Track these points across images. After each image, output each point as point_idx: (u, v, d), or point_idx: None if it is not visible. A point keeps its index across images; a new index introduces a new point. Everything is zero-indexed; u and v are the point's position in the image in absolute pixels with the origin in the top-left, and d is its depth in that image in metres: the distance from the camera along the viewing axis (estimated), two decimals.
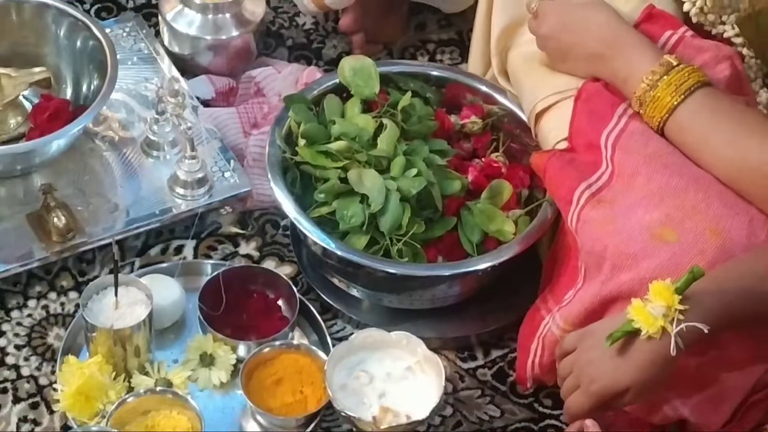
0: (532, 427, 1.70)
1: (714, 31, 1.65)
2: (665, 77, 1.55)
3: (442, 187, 1.73)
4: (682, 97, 1.53)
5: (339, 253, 1.68)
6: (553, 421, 1.70)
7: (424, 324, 1.75)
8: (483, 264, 1.70)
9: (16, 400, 1.68)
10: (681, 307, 1.35)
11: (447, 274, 1.70)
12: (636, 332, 1.37)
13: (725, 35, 1.64)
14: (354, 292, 1.79)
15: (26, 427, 1.65)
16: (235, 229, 1.91)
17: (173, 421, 1.61)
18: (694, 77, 1.54)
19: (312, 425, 1.64)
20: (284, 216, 1.82)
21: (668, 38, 1.65)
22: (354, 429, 1.64)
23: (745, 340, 1.46)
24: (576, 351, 1.45)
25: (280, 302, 1.77)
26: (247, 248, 1.89)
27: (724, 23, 1.64)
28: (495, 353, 1.78)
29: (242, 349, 1.71)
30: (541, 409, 1.72)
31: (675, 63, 1.57)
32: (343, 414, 1.59)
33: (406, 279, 1.69)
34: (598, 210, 1.56)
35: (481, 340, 1.79)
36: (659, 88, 1.55)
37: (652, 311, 1.36)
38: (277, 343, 1.69)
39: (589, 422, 1.42)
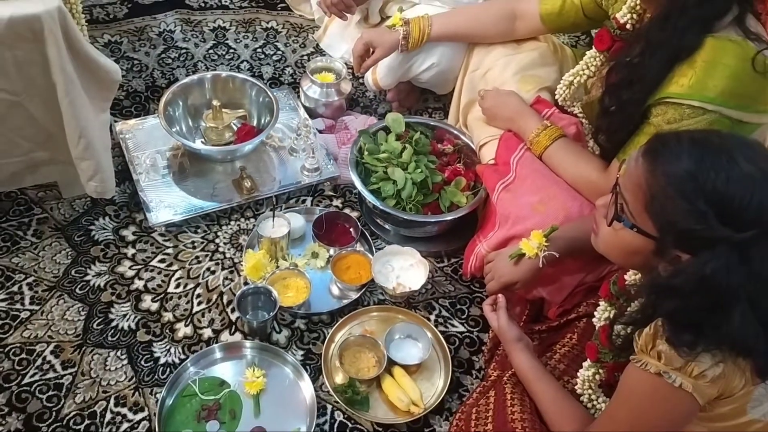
0: (468, 296, 1.73)
1: (569, 109, 1.67)
2: (543, 131, 1.59)
3: (433, 178, 1.75)
4: (551, 141, 1.56)
5: (381, 207, 1.71)
6: (479, 295, 1.73)
7: (419, 244, 1.75)
8: (450, 216, 1.71)
9: (223, 267, 1.73)
10: (546, 244, 1.39)
11: (432, 221, 1.72)
12: (523, 255, 1.42)
13: (575, 112, 1.66)
14: (387, 226, 1.81)
15: (227, 282, 1.70)
16: (331, 193, 1.93)
17: (297, 283, 1.67)
18: (557, 132, 1.58)
19: (363, 289, 1.69)
20: (356, 188, 1.85)
21: (546, 113, 1.66)
22: (382, 293, 1.71)
23: (576, 260, 1.48)
24: (493, 261, 1.48)
25: (351, 229, 1.81)
26: (337, 202, 1.91)
27: (574, 106, 1.67)
28: (453, 260, 1.80)
29: (332, 251, 1.76)
30: (474, 288, 1.75)
31: (549, 125, 1.60)
32: (378, 285, 1.65)
33: (413, 222, 1.72)
34: (506, 194, 1.57)
35: (447, 253, 1.80)
36: (540, 136, 1.59)
37: (532, 245, 1.41)
38: (349, 249, 1.74)
39: (500, 296, 1.45)
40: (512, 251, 1.45)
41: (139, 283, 1.68)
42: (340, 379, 1.54)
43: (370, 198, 1.73)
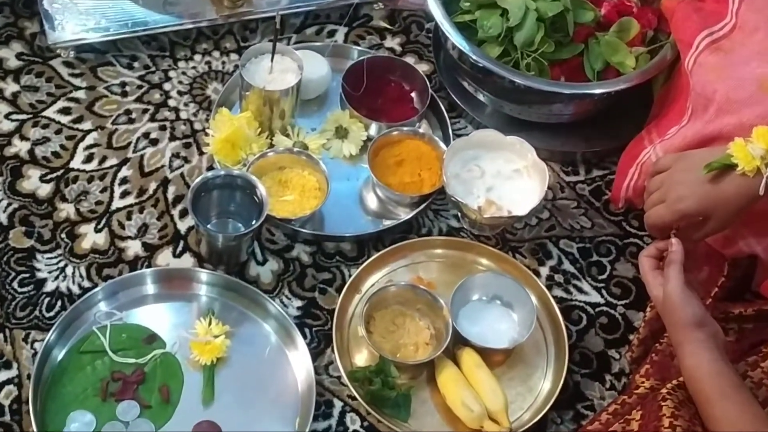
0: (617, 242, 1.72)
1: None
2: None
3: (576, 14, 1.71)
4: None
5: (474, 57, 1.68)
6: (636, 240, 1.72)
7: (537, 135, 1.75)
8: (601, 89, 1.69)
9: (173, 138, 1.75)
10: None
11: (567, 92, 1.71)
12: (732, 166, 1.36)
13: None
14: (480, 96, 1.80)
15: (177, 162, 1.72)
16: (384, 24, 1.93)
17: (303, 180, 1.67)
18: None
19: (423, 205, 1.68)
20: (430, 19, 1.83)
21: None
22: (459, 214, 1.69)
23: None
24: (669, 170, 1.44)
25: (413, 94, 1.79)
26: (392, 42, 1.91)
27: None
28: (595, 172, 1.80)
29: (373, 129, 1.74)
30: (627, 227, 1.74)
31: None
32: (453, 199, 1.63)
33: (529, 91, 1.69)
34: (714, 56, 1.53)
35: (585, 158, 1.80)
36: None
37: (752, 151, 1.35)
38: (405, 128, 1.72)
39: (674, 241, 1.42)
40: (710, 157, 1.41)
41: (21, 146, 1.72)
42: (364, 358, 1.57)
43: (455, 39, 1.71)
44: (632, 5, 1.77)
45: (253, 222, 1.57)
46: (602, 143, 1.80)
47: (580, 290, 1.68)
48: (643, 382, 1.50)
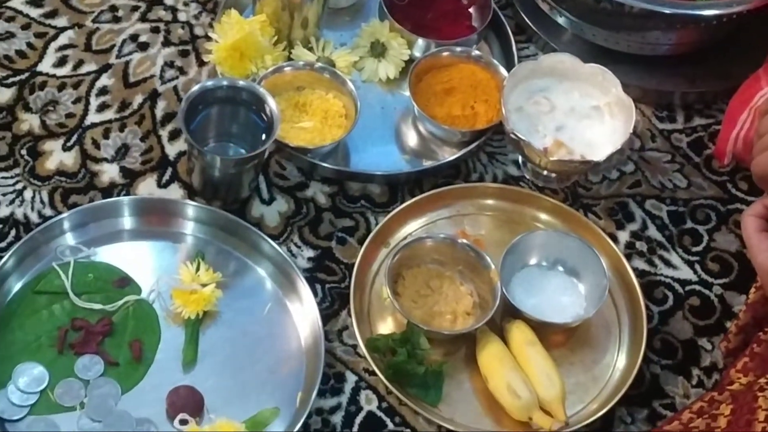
0: (718, 207, 1.77)
1: None
2: None
3: None
4: None
5: None
6: (742, 207, 1.75)
7: (626, 70, 1.79)
8: (712, 11, 1.72)
9: (167, 43, 1.82)
10: None
11: (667, 12, 1.73)
12: None
13: None
14: (557, 17, 1.85)
15: (170, 73, 1.80)
16: None
17: (326, 104, 1.74)
18: None
19: (476, 144, 1.74)
20: None
21: None
22: (520, 159, 1.75)
23: None
24: None
25: (471, 9, 1.85)
26: None
27: None
28: (697, 120, 1.84)
29: (419, 47, 1.80)
30: (733, 190, 1.78)
31: None
32: (513, 136, 1.67)
33: (620, 11, 1.73)
34: None
35: (686, 102, 1.85)
36: None
37: None
38: (459, 49, 1.77)
39: None
40: None
41: None
42: (388, 325, 1.62)
43: None
44: None
45: (259, 147, 1.62)
46: (709, 84, 1.84)
47: (668, 263, 1.72)
48: (739, 378, 1.51)
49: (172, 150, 1.73)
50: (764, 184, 1.47)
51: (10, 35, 1.80)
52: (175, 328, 1.57)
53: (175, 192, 1.69)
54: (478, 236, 1.69)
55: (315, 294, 1.60)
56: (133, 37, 1.82)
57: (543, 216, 1.73)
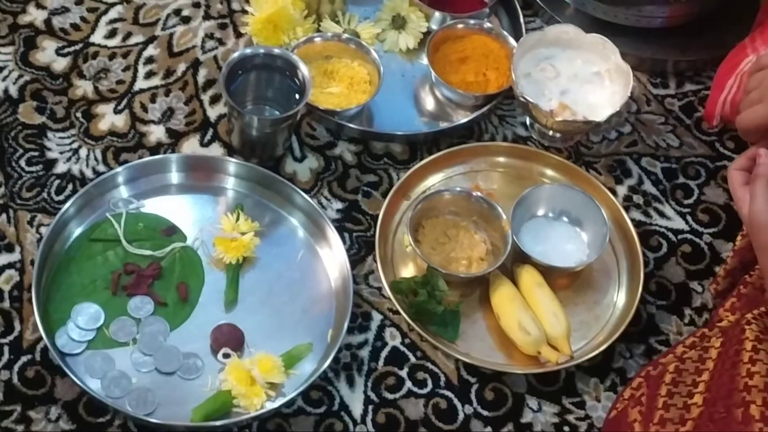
0: (707, 164, 1.80)
1: None
2: None
3: None
4: None
5: None
6: (730, 163, 1.67)
7: (624, 41, 1.81)
8: None
9: (207, 16, 1.85)
10: None
11: None
12: None
13: None
14: None
15: (211, 43, 1.83)
16: None
17: (352, 71, 1.77)
18: None
19: (487, 107, 1.76)
20: None
21: None
22: (528, 121, 1.78)
23: None
24: None
25: None
26: None
27: None
28: (688, 86, 1.87)
29: (436, 20, 1.83)
30: (721, 149, 1.81)
31: None
32: (521, 99, 1.70)
33: None
34: None
35: (677, 70, 1.88)
36: None
37: None
38: (472, 21, 1.81)
39: (762, 152, 1.44)
40: None
41: (36, 15, 1.83)
42: (409, 270, 1.65)
43: None
44: None
45: (292, 109, 1.65)
46: (699, 53, 1.87)
47: (662, 214, 1.75)
48: (727, 316, 1.53)
49: (212, 113, 1.75)
50: (749, 137, 1.48)
51: (65, 10, 1.82)
52: (217, 273, 1.60)
53: (215, 150, 1.72)
54: (490, 190, 1.72)
55: (343, 242, 1.62)
56: (177, 12, 1.85)
57: (549, 172, 1.76)
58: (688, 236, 1.73)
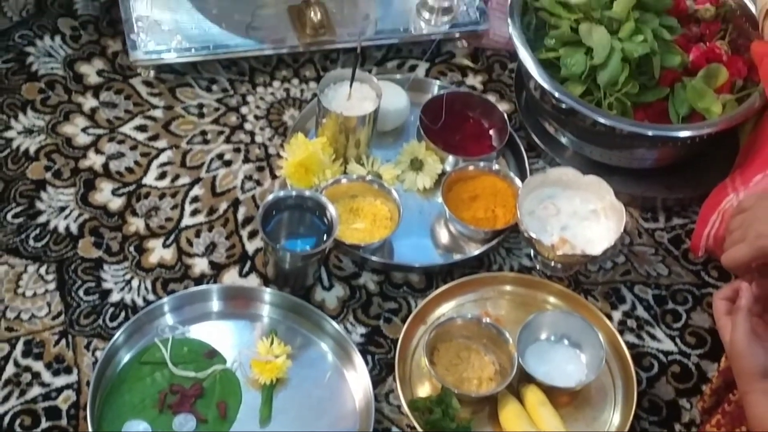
0: (694, 291, 1.81)
1: None
2: None
3: (663, 58, 1.80)
4: None
5: (556, 95, 1.78)
6: (714, 290, 1.75)
7: (617, 180, 1.83)
8: (685, 132, 1.77)
9: (246, 160, 1.89)
10: None
11: (650, 134, 1.78)
12: None
13: None
14: (561, 138, 1.91)
15: (249, 184, 1.86)
16: (467, 62, 2.06)
17: (375, 209, 1.80)
18: None
19: (495, 241, 1.79)
20: (513, 59, 1.97)
21: None
22: (532, 253, 1.81)
23: None
24: (752, 208, 1.47)
25: (492, 132, 1.92)
26: (473, 80, 2.04)
27: None
28: (676, 220, 1.89)
29: (449, 162, 1.87)
30: (706, 278, 1.82)
31: None
32: (526, 235, 1.73)
33: (612, 133, 1.78)
34: None
35: (666, 206, 1.90)
36: None
37: None
38: (482, 164, 1.84)
39: (744, 285, 1.45)
40: None
41: (95, 159, 1.87)
42: (426, 389, 1.66)
43: (538, 77, 1.81)
44: (722, 53, 1.85)
45: (321, 245, 1.68)
46: (684, 191, 1.89)
47: (653, 337, 1.76)
48: None
49: (250, 247, 1.78)
50: (733, 271, 1.51)
51: (121, 155, 1.87)
52: (253, 392, 1.62)
53: (253, 281, 1.75)
54: (498, 315, 1.74)
55: (366, 363, 1.64)
56: (219, 156, 1.88)
57: (551, 299, 1.78)
58: (678, 357, 1.74)
